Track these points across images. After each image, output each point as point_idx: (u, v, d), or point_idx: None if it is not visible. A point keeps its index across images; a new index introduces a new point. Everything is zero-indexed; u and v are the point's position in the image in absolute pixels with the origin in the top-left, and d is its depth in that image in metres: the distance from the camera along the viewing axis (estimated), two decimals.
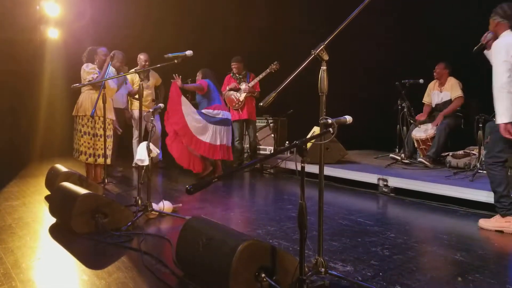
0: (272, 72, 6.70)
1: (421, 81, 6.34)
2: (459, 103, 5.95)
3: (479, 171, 4.95)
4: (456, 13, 6.51)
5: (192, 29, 8.42)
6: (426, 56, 6.56)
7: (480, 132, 5.00)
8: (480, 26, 6.13)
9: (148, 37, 7.80)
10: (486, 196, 4.17)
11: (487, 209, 4.15)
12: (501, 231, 3.57)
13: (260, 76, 6.79)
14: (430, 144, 5.88)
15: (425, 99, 6.43)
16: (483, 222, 3.71)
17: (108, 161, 5.19)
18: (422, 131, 6.05)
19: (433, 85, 6.32)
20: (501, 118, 3.42)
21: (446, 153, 5.88)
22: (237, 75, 6.99)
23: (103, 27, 7.72)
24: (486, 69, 5.88)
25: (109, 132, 5.21)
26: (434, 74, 6.22)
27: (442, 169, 5.60)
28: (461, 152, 5.72)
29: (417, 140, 6.10)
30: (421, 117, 6.27)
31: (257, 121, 7.40)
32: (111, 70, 5.84)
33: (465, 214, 4.22)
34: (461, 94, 5.94)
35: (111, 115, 5.29)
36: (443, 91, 6.14)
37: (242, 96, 6.86)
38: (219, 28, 8.43)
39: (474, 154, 5.44)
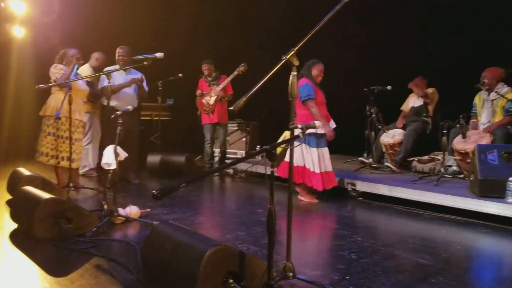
0: (240, 74, 6.69)
1: (388, 87, 6.46)
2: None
3: (443, 176, 5.08)
4: (426, 22, 6.70)
5: (162, 28, 8.31)
6: (395, 63, 6.69)
7: (444, 138, 5.13)
8: (448, 36, 6.33)
9: (118, 34, 7.66)
10: (450, 200, 4.28)
11: (451, 213, 4.26)
12: None
13: (228, 79, 6.77)
14: (398, 149, 6.00)
15: (404, 107, 6.59)
16: None
17: (75, 165, 5.06)
18: (390, 137, 6.18)
19: (412, 95, 6.50)
20: None
21: (412, 158, 6.02)
22: (207, 77, 6.96)
23: (71, 25, 7.53)
24: (457, 76, 6.07)
25: (78, 136, 5.10)
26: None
27: (408, 174, 5.71)
28: (426, 157, 5.86)
29: (385, 145, 6.22)
30: (399, 123, 6.42)
31: (228, 124, 7.36)
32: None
33: (429, 218, 4.32)
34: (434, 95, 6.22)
35: (81, 117, 5.18)
36: (420, 98, 6.31)
37: (211, 100, 6.84)
38: (189, 27, 8.36)
39: (439, 160, 5.59)
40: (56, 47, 5.59)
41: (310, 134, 4.59)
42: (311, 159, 4.77)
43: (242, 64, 6.68)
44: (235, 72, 6.69)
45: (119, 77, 5.57)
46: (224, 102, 6.87)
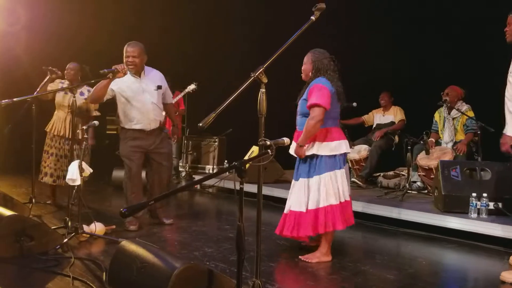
0: (191, 93, 6.69)
1: (354, 104, 6.57)
2: (401, 125, 6.32)
3: (408, 191, 5.20)
4: (387, 39, 6.90)
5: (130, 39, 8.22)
6: (360, 80, 6.82)
7: (408, 154, 5.26)
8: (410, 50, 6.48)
9: (84, 45, 7.52)
10: (415, 216, 4.37)
11: (416, 228, 4.35)
12: None
13: (179, 96, 6.78)
14: (363, 164, 6.11)
15: (364, 117, 6.69)
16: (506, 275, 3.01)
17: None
18: (356, 152, 6.28)
19: (377, 111, 6.62)
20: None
21: (378, 174, 6.14)
22: None
23: (37, 36, 7.35)
24: (420, 93, 6.20)
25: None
26: (381, 102, 6.48)
27: (374, 189, 5.82)
28: (391, 172, 5.99)
29: (351, 161, 6.30)
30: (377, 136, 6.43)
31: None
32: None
33: (395, 233, 4.39)
34: (404, 118, 6.35)
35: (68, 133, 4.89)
36: (386, 115, 6.46)
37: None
38: (157, 39, 8.29)
39: (404, 175, 5.72)
40: (20, 58, 5.41)
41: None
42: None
43: (195, 83, 6.64)
44: (186, 91, 6.66)
45: (131, 85, 4.16)
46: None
